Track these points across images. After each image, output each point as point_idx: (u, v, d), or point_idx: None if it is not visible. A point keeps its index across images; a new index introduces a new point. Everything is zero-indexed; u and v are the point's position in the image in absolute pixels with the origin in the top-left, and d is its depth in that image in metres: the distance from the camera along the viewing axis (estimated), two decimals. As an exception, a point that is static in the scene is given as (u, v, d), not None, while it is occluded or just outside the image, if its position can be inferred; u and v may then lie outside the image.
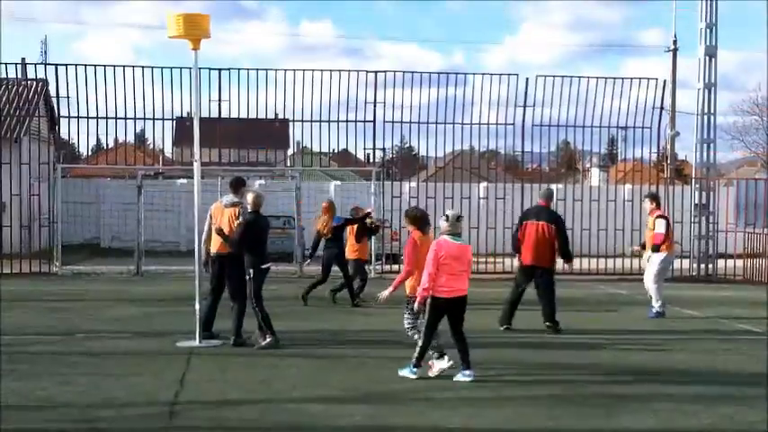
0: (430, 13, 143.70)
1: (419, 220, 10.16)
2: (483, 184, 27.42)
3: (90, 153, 34.15)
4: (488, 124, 24.08)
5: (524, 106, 23.66)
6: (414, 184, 26.78)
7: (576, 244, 23.75)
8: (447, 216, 9.71)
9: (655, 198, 15.96)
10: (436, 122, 23.82)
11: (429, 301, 9.45)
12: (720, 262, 23.73)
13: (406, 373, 9.54)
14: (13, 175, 22.63)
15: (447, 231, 9.57)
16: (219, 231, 11.69)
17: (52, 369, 9.71)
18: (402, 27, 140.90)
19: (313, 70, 23.42)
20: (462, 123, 24.05)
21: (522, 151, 24.59)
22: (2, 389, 8.59)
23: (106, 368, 9.88)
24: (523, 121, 23.73)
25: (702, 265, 23.88)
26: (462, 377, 9.42)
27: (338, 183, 33.63)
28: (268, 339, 11.24)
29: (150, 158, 36.86)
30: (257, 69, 23.61)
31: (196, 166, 12.12)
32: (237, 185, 12.25)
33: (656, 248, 15.07)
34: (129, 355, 10.74)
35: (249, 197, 11.74)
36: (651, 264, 15.20)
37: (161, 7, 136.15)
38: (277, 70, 23.62)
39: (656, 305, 15.08)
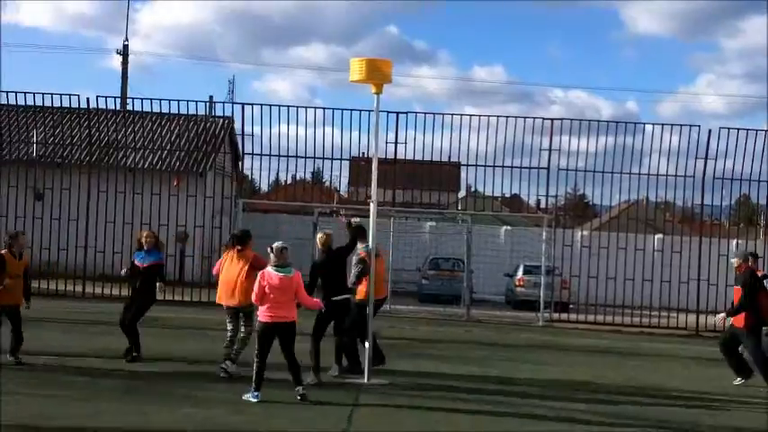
0: (601, 59, 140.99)
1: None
2: (658, 236, 26.64)
3: (269, 189, 35.40)
4: (667, 175, 23.41)
5: (706, 158, 22.90)
6: (586, 232, 26.35)
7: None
8: (272, 248, 10.30)
9: None
10: (612, 172, 23.34)
11: (257, 327, 10.25)
12: None
13: (248, 397, 9.93)
14: (198, 208, 23.73)
15: (272, 263, 10.24)
16: None
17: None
18: (572, 73, 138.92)
19: (489, 116, 23.58)
20: (639, 174, 23.46)
21: (703, 204, 23.77)
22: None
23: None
24: (704, 173, 22.96)
25: None
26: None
27: (508, 228, 33.48)
28: (309, 380, 10.90)
29: (326, 196, 37.83)
30: (434, 114, 24.10)
31: (372, 207, 12.37)
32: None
33: None
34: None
35: (317, 237, 12.32)
36: None
37: (334, 50, 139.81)
38: (453, 114, 23.94)
39: None
